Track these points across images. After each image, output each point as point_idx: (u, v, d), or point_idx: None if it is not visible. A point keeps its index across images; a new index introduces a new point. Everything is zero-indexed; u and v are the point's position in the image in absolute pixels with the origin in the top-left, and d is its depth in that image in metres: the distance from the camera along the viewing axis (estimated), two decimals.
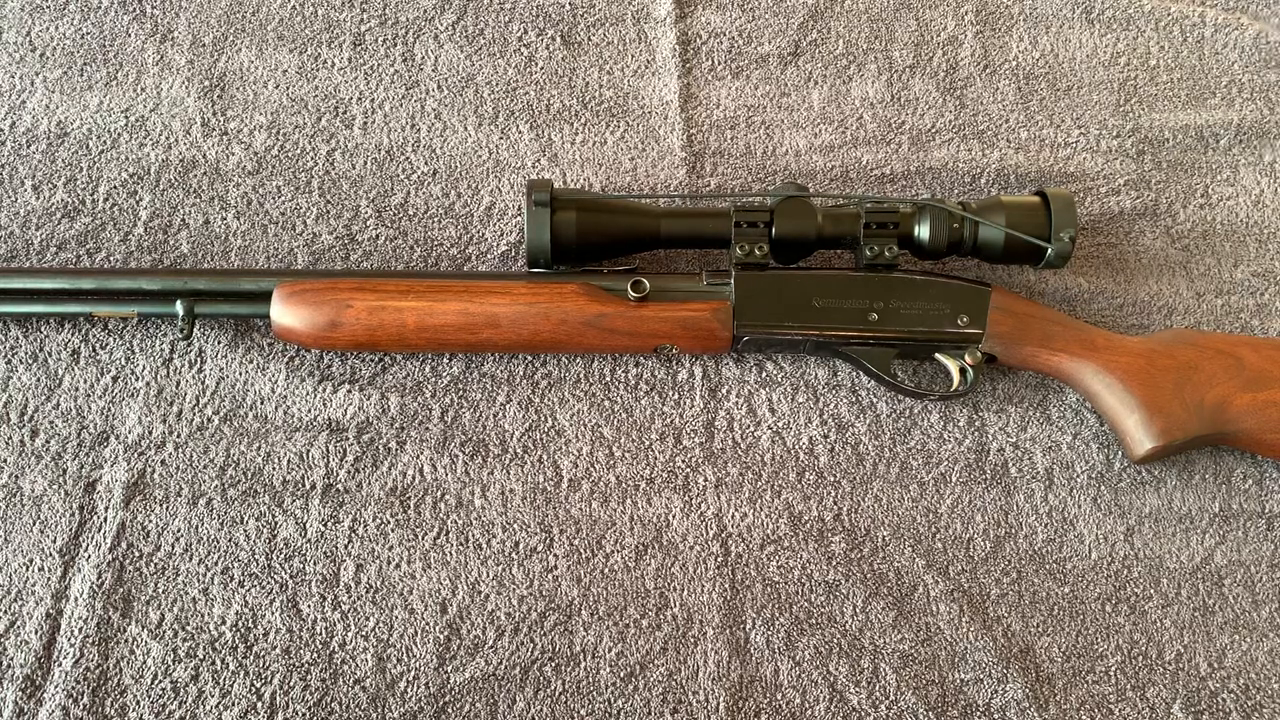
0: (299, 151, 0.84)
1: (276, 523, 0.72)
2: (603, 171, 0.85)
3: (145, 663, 0.68)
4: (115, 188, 0.82)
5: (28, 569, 0.70)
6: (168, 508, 0.72)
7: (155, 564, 0.71)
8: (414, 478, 0.74)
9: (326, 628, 0.69)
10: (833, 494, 0.75)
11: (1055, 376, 0.76)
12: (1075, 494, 0.75)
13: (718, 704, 0.68)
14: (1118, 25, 0.93)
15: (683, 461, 0.75)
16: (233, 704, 0.67)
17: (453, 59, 0.89)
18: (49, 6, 0.88)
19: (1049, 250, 0.73)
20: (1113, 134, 0.88)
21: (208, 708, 0.67)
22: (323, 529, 0.72)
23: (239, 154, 0.84)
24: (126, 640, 0.68)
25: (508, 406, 0.76)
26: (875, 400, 0.77)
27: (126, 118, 0.85)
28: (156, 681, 0.68)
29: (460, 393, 0.77)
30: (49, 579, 0.70)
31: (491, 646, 0.69)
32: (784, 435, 0.76)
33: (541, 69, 0.89)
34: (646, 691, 0.69)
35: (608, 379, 0.77)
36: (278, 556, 0.71)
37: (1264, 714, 0.70)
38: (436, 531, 0.72)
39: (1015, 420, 0.77)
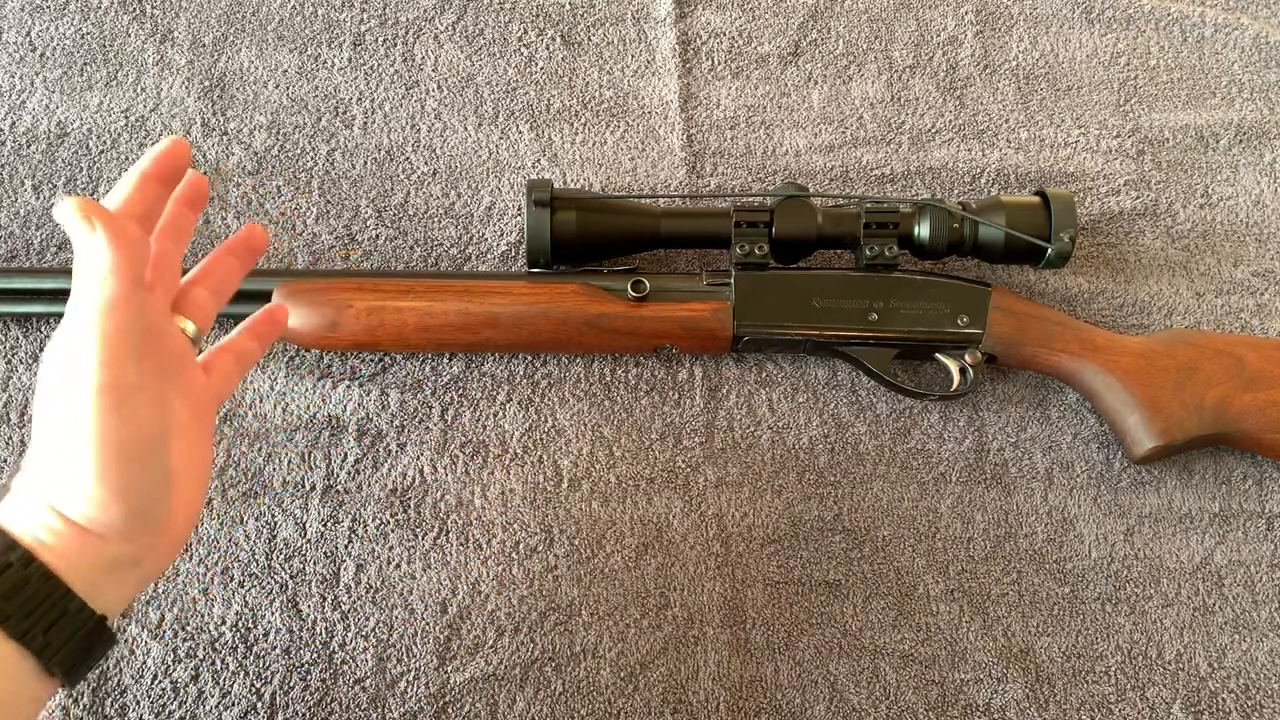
0: (299, 151, 0.84)
1: (276, 523, 0.72)
2: (603, 171, 0.85)
3: (145, 663, 0.68)
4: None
5: None
6: None
7: None
8: (414, 478, 0.74)
9: (326, 628, 0.69)
10: (833, 494, 0.75)
11: (1055, 376, 0.76)
12: (1075, 494, 0.75)
13: (718, 704, 0.69)
14: (1118, 25, 0.93)
15: (683, 461, 0.75)
16: (233, 704, 0.67)
17: (453, 59, 0.89)
18: (49, 6, 0.88)
19: (1049, 250, 0.73)
20: (1113, 134, 0.88)
21: (208, 708, 0.67)
22: (323, 529, 0.72)
23: (239, 154, 0.84)
24: (126, 640, 0.68)
25: (508, 406, 0.76)
26: (875, 400, 0.77)
27: (126, 118, 0.85)
28: (156, 681, 0.68)
29: (460, 392, 0.77)
30: None
31: (492, 646, 0.69)
32: (784, 435, 0.76)
33: (541, 69, 0.89)
34: (647, 691, 0.69)
35: (608, 379, 0.77)
36: (278, 556, 0.71)
37: (1264, 714, 0.70)
38: (436, 531, 0.72)
39: (1015, 420, 0.77)
